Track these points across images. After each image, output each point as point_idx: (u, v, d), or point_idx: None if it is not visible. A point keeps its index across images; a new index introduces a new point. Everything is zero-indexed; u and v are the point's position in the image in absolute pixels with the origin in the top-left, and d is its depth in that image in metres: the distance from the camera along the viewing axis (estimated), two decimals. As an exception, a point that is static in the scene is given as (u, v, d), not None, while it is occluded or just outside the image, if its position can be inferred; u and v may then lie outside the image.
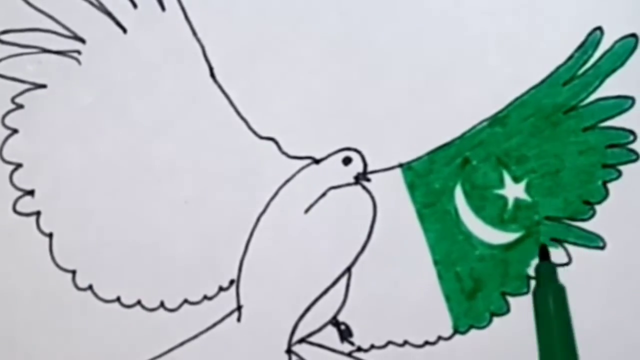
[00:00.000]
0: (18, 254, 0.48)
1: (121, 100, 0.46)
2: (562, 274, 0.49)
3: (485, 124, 0.48)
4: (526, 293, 0.50)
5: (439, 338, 0.50)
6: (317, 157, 0.48)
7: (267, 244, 0.49)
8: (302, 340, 0.50)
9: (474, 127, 0.48)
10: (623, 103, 0.47)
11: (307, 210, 0.49)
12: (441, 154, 0.48)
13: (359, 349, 0.50)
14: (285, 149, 0.48)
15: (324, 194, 0.49)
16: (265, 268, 0.49)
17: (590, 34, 0.46)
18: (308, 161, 0.48)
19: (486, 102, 0.47)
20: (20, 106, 0.46)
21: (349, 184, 0.48)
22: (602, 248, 0.49)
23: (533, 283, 0.50)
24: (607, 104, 0.47)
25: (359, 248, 0.49)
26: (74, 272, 0.48)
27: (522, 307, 0.50)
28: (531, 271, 0.49)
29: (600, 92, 0.47)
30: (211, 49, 0.46)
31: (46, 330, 0.49)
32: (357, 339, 0.50)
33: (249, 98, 0.47)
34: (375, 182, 0.48)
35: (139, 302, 0.49)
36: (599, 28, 0.46)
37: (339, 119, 0.47)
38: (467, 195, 0.49)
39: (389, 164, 0.48)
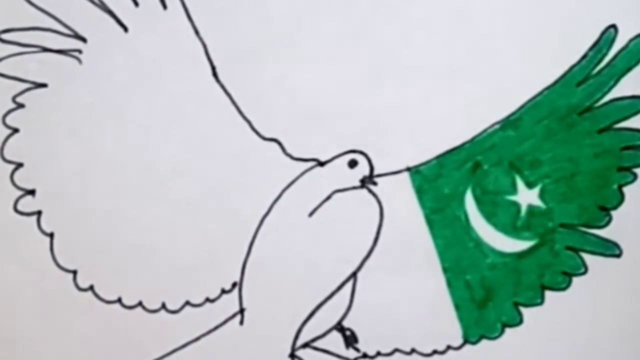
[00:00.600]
0: (19, 253, 0.47)
1: (122, 100, 0.46)
2: (577, 282, 0.48)
3: (497, 126, 0.46)
4: (540, 304, 0.48)
5: (448, 347, 0.49)
6: (322, 159, 0.47)
7: (270, 246, 0.48)
8: (306, 345, 0.49)
9: (485, 130, 0.46)
10: (638, 103, 0.45)
11: (311, 214, 0.48)
12: (451, 157, 0.47)
13: (365, 356, 0.49)
14: (289, 150, 0.47)
15: (328, 197, 0.47)
16: (268, 271, 0.48)
17: (604, 32, 0.44)
18: (313, 163, 0.47)
19: (498, 104, 0.46)
20: (21, 105, 0.46)
21: (354, 188, 0.47)
22: (619, 256, 0.47)
23: (548, 294, 0.48)
24: (623, 105, 0.45)
25: (364, 253, 0.48)
26: (74, 272, 0.48)
27: (536, 318, 0.48)
28: (545, 281, 0.48)
29: (615, 92, 0.45)
30: (213, 48, 0.45)
31: (46, 330, 0.49)
32: (362, 346, 0.49)
33: (252, 98, 0.46)
34: (382, 186, 0.47)
35: (140, 304, 0.48)
36: (613, 26, 0.44)
37: (345, 121, 0.46)
38: (478, 200, 0.47)
39: (396, 167, 0.47)
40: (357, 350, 0.48)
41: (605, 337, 0.48)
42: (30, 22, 0.44)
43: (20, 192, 0.47)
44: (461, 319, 0.48)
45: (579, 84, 0.45)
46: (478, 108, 0.46)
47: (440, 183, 0.47)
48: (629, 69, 0.44)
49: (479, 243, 0.48)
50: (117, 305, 0.48)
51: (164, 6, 0.45)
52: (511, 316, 0.48)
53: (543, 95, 0.45)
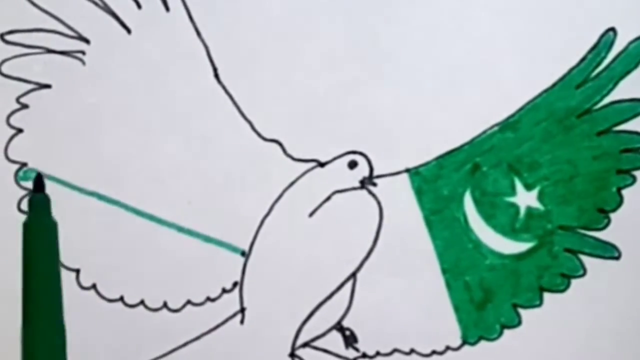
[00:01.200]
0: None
1: (125, 101, 0.46)
2: (576, 284, 0.48)
3: (495, 128, 0.46)
4: (539, 305, 0.48)
5: (447, 348, 0.49)
6: (322, 160, 0.47)
7: (271, 246, 0.48)
8: (306, 345, 0.49)
9: (484, 131, 0.46)
10: (637, 106, 0.45)
11: (311, 214, 0.48)
12: (450, 159, 0.47)
13: (364, 355, 0.49)
14: (289, 151, 0.47)
15: (328, 198, 0.48)
16: (268, 271, 0.49)
17: (603, 35, 0.44)
18: (313, 164, 0.47)
19: (497, 105, 0.46)
20: (25, 106, 0.46)
21: (354, 188, 0.47)
22: (617, 258, 0.47)
23: (547, 296, 0.48)
24: (622, 107, 0.45)
25: (364, 253, 0.48)
26: (77, 271, 0.49)
27: (534, 320, 0.48)
28: (543, 283, 0.48)
29: (614, 95, 0.45)
30: (215, 49, 0.45)
31: (49, 328, 0.50)
32: (362, 345, 0.49)
33: (253, 99, 0.46)
34: (382, 187, 0.47)
35: (142, 302, 0.49)
36: (612, 29, 0.44)
37: (345, 122, 0.47)
38: (477, 202, 0.47)
39: (395, 168, 0.47)
40: (357, 350, 0.49)
41: (603, 338, 0.48)
42: (34, 23, 0.45)
43: (24, 192, 0.47)
44: (460, 319, 0.49)
45: (578, 86, 0.45)
46: (477, 110, 0.46)
47: (440, 184, 0.47)
48: (627, 72, 0.44)
49: (477, 244, 0.48)
50: (119, 304, 0.49)
51: (167, 8, 0.45)
52: (510, 317, 0.48)
53: (542, 98, 0.45)
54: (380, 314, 0.48)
